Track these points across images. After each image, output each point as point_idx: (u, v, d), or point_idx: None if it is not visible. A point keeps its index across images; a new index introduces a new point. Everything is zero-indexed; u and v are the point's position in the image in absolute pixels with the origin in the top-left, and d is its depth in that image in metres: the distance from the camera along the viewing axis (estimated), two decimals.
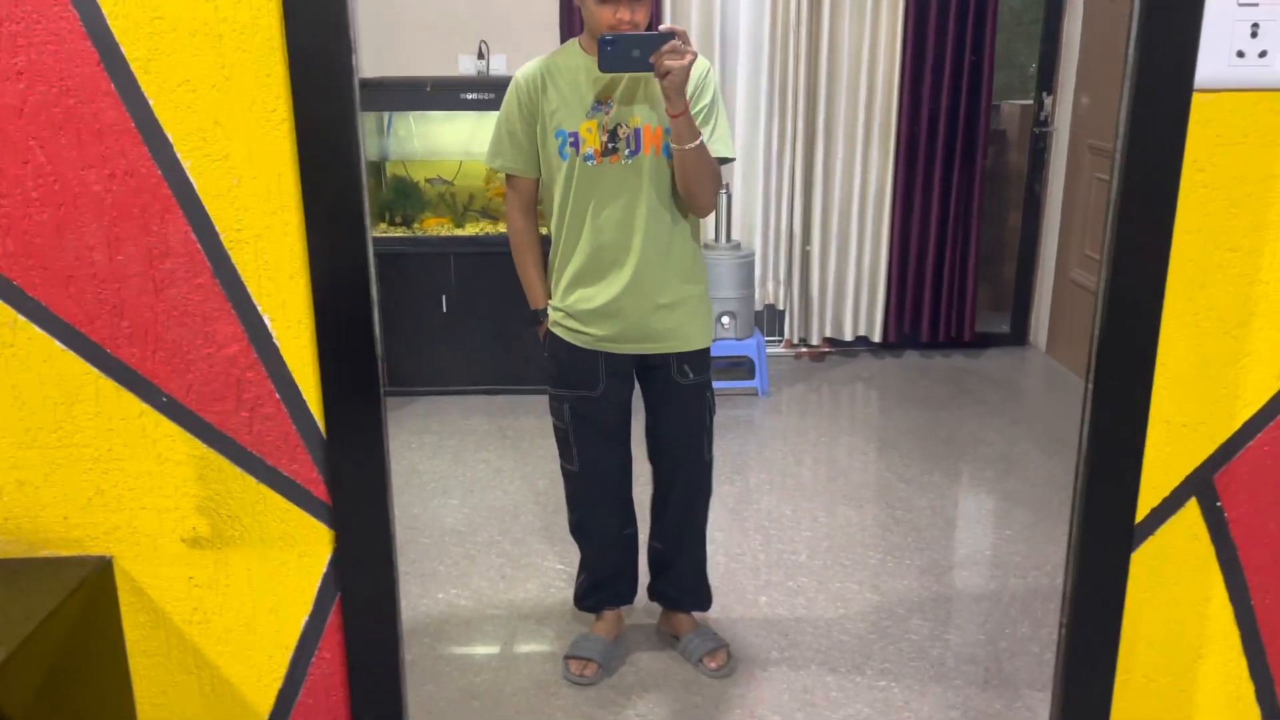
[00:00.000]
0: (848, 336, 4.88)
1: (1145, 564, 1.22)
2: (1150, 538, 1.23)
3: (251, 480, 1.18)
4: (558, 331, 2.19)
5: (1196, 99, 1.06)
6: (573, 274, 2.13)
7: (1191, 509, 1.22)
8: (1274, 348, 1.17)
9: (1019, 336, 5.05)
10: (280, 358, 1.14)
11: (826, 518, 3.27)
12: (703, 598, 2.51)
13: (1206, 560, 1.24)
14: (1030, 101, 4.87)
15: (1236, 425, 1.20)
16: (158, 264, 1.11)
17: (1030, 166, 4.86)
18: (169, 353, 1.14)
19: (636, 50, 1.84)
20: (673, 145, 1.97)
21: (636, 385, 2.30)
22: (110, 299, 1.13)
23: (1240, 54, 1.06)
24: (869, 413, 4.42)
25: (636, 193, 2.04)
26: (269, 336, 1.13)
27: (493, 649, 2.55)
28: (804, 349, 4.92)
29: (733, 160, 2.17)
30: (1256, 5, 1.05)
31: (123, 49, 1.06)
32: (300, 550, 1.21)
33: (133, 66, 1.06)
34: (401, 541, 3.14)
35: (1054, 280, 4.82)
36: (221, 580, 1.23)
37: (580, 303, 2.13)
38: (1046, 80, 4.72)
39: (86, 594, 1.20)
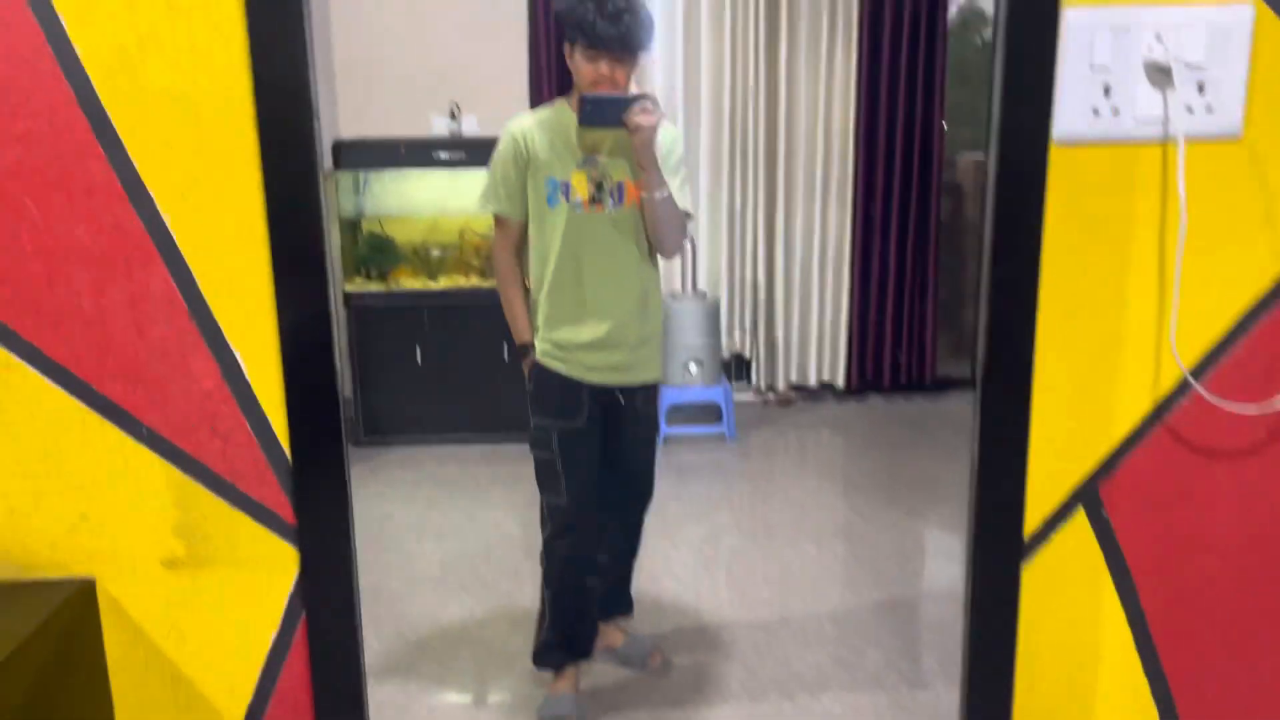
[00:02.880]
0: (812, 382, 5.02)
1: (1038, 573, 1.35)
2: (1042, 548, 1.35)
3: (225, 505, 1.30)
4: (546, 361, 2.30)
5: (1057, 151, 1.21)
6: (561, 313, 2.28)
7: (1080, 519, 1.35)
8: (1144, 369, 1.31)
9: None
10: (251, 391, 1.26)
11: (790, 555, 3.38)
12: (630, 603, 2.72)
13: (1097, 567, 1.36)
14: (984, 155, 5.08)
15: (1117, 440, 1.33)
16: (140, 308, 1.23)
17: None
18: (150, 388, 1.26)
19: (612, 109, 2.08)
20: (642, 194, 2.20)
21: None
22: (97, 340, 1.25)
23: (1095, 111, 1.22)
24: (833, 455, 4.55)
25: (621, 240, 2.25)
26: (241, 372, 1.25)
27: (463, 695, 2.61)
28: (770, 395, 5.06)
29: (691, 217, 2.37)
30: (1107, 68, 1.21)
31: (111, 117, 1.19)
32: (269, 570, 1.31)
33: (120, 132, 1.20)
34: (375, 586, 3.23)
35: None
36: (196, 599, 1.33)
37: (570, 336, 2.28)
38: None
39: (70, 613, 1.30)
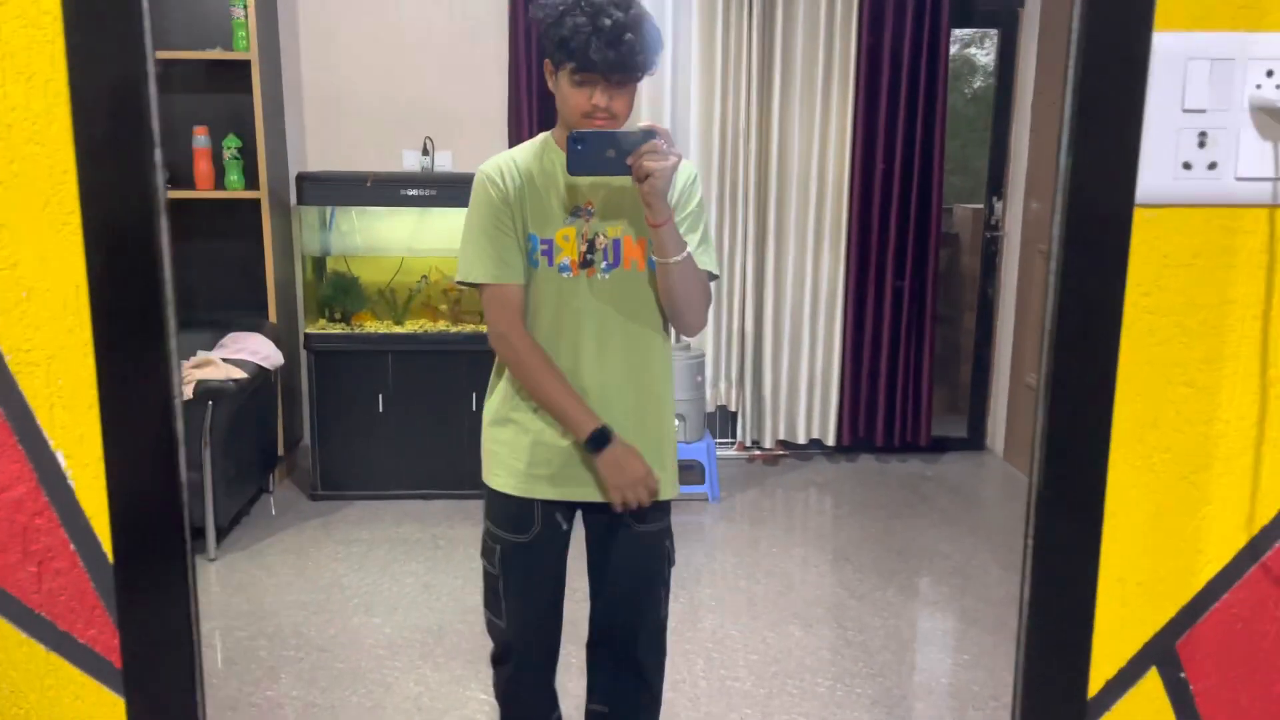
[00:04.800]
0: (801, 439, 4.73)
1: None
2: (1106, 715, 1.05)
3: (40, 648, 0.98)
4: (496, 485, 1.88)
5: (1139, 215, 0.93)
6: (529, 408, 1.84)
7: (1152, 680, 1.06)
8: (1239, 495, 1.02)
9: (976, 441, 4.93)
10: (75, 501, 0.95)
11: (774, 638, 3.06)
12: None
13: None
14: (981, 206, 4.85)
15: (1200, 584, 1.04)
16: None
17: (983, 269, 4.82)
18: None
19: (612, 150, 1.60)
20: (655, 258, 1.73)
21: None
22: None
23: (1187, 165, 0.94)
24: (822, 521, 4.25)
25: (614, 312, 1.79)
26: (63, 476, 0.95)
27: None
28: (756, 452, 4.77)
29: (717, 278, 1.90)
30: (1204, 112, 0.93)
31: None
32: None
33: None
34: (314, 665, 2.90)
35: (1009, 384, 4.73)
36: None
37: (532, 449, 1.83)
38: (996, 185, 4.71)
39: None
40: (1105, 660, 1.04)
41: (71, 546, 0.96)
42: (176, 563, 0.90)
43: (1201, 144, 0.93)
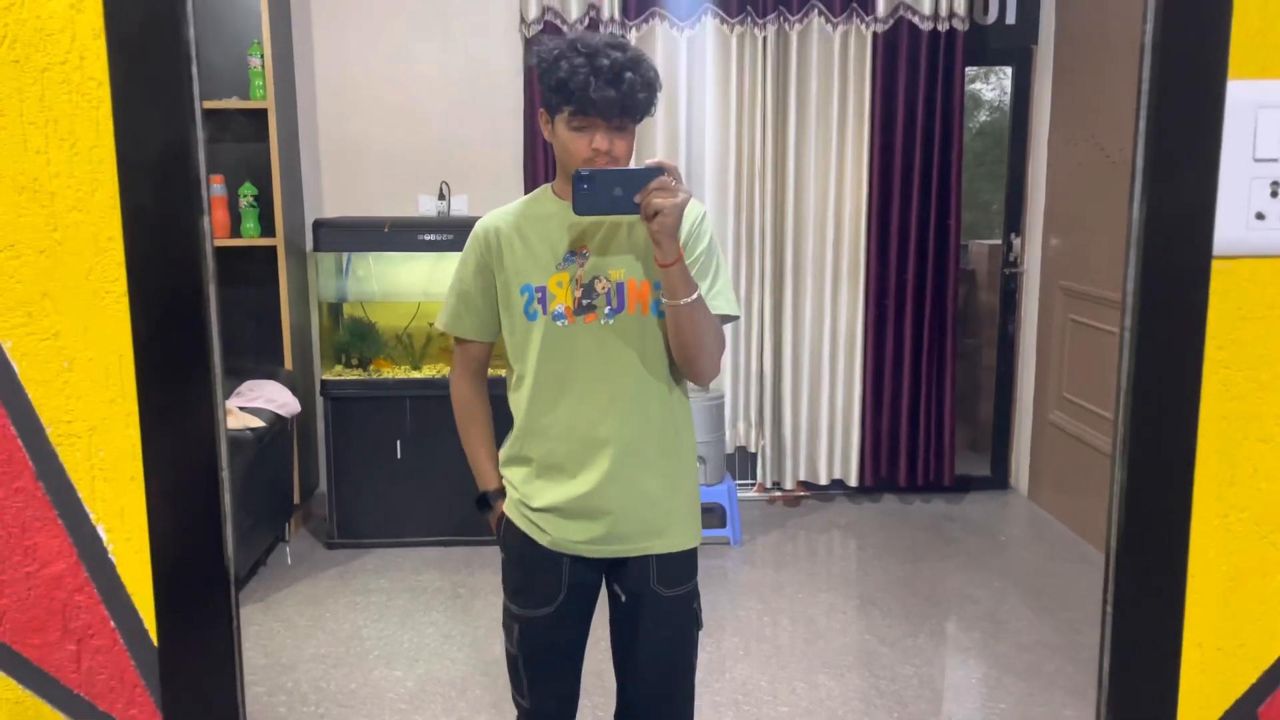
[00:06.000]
0: (823, 480, 4.68)
1: None
2: None
3: None
4: (514, 517, 1.81)
5: (1212, 267, 0.90)
6: (538, 458, 1.77)
7: None
8: None
9: (1000, 480, 4.87)
10: (117, 577, 0.92)
11: (805, 689, 3.00)
12: None
13: None
14: (997, 242, 4.83)
15: None
16: None
17: (1002, 306, 4.79)
18: None
19: (619, 188, 1.56)
20: (665, 301, 1.65)
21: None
22: None
23: (1260, 216, 0.91)
24: (847, 565, 4.18)
25: (620, 360, 1.71)
26: (104, 551, 0.92)
27: None
28: (778, 493, 4.71)
29: (736, 319, 1.82)
30: (1275, 161, 0.91)
31: None
32: None
33: None
34: None
35: (1033, 422, 4.68)
36: None
37: (542, 494, 1.77)
38: (1014, 221, 4.70)
39: None
40: None
41: (112, 624, 0.93)
42: (223, 642, 0.87)
43: (1274, 193, 0.91)
